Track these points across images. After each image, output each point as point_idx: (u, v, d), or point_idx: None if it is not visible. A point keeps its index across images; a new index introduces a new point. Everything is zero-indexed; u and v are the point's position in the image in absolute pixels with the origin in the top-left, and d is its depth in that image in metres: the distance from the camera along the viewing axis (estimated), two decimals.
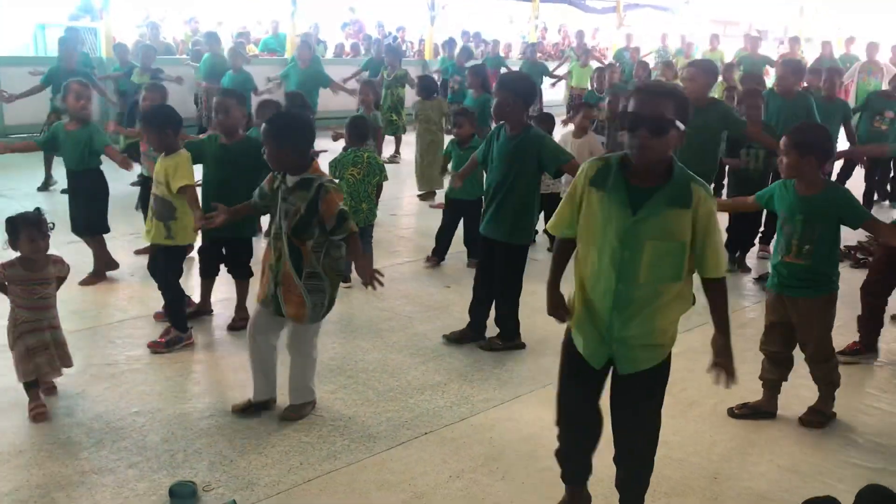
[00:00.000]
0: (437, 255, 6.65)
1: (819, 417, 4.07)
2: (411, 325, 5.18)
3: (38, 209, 3.82)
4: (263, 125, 3.75)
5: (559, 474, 3.20)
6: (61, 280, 3.98)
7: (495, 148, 4.74)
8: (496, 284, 4.90)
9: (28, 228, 3.74)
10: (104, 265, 5.90)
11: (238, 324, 5.08)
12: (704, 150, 5.79)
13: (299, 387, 3.96)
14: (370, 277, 3.71)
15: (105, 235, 5.87)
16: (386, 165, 6.33)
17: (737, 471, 3.59)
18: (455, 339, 4.95)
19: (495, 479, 3.44)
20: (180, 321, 4.77)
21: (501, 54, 16.40)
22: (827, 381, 4.07)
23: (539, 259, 6.46)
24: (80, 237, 5.82)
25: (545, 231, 7.26)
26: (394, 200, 8.63)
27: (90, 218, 5.75)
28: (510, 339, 4.90)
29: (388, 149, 11.33)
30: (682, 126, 2.63)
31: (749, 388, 4.43)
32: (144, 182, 6.15)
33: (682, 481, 3.43)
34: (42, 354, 3.80)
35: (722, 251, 2.80)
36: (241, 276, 5.18)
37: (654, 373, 2.86)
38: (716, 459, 3.66)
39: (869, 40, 13.72)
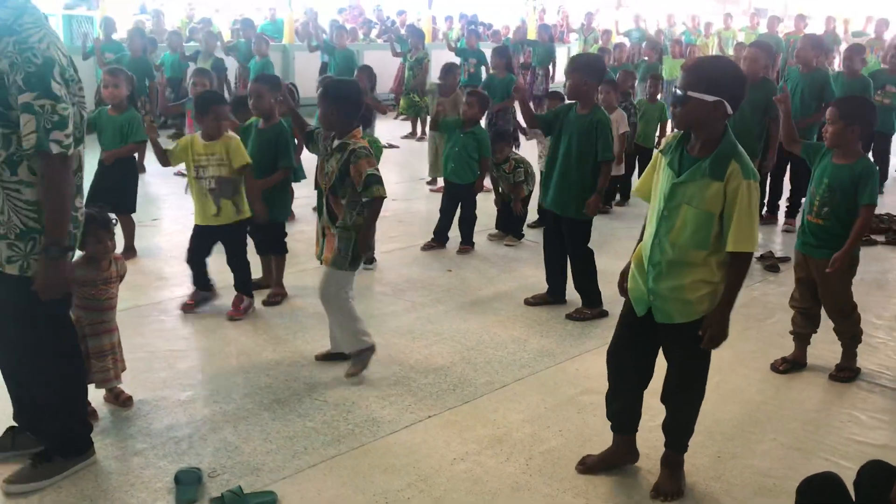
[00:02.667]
0: (438, 238, 6.65)
1: (846, 373, 4.32)
2: (413, 310, 5.19)
3: (101, 206, 3.74)
4: (319, 89, 4.21)
5: (606, 422, 3.43)
6: (121, 278, 3.82)
7: (565, 124, 5.00)
8: (570, 259, 5.22)
9: (96, 228, 3.53)
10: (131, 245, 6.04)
11: (273, 299, 5.23)
12: (747, 126, 5.95)
13: (344, 339, 4.21)
14: (364, 248, 4.11)
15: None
16: (395, 149, 6.39)
17: (740, 449, 3.60)
18: (535, 303, 5.31)
19: (500, 461, 3.45)
20: (249, 287, 5.09)
21: (509, 37, 16.45)
22: (850, 335, 4.32)
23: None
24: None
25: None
26: (398, 185, 8.62)
27: (120, 197, 5.81)
28: (594, 306, 5.12)
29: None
30: (707, 97, 2.84)
31: (753, 366, 4.45)
32: None
33: (685, 460, 3.43)
34: (104, 359, 3.66)
35: (746, 228, 2.88)
36: (278, 251, 5.34)
37: (691, 328, 3.04)
38: (719, 438, 3.67)
39: (880, 17, 13.67)
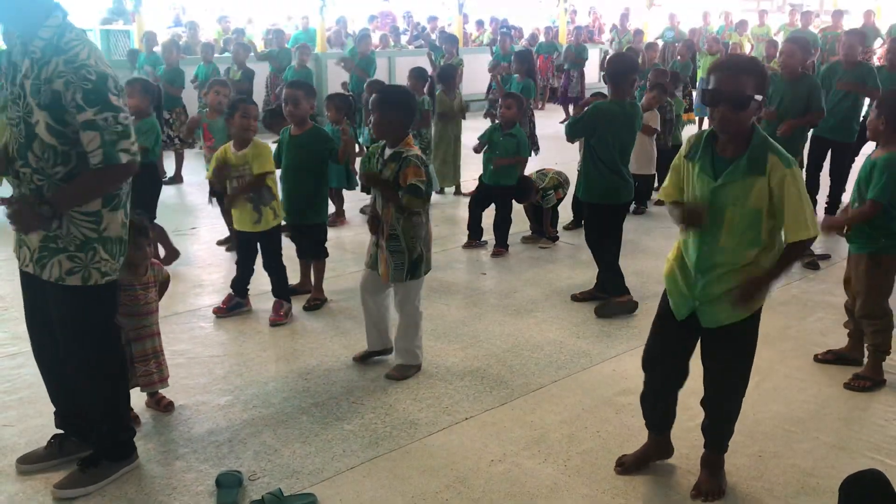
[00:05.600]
0: (474, 234, 6.67)
1: (862, 382, 4.14)
2: (449, 313, 5.20)
3: (140, 212, 3.77)
4: (374, 95, 4.15)
5: (643, 422, 3.41)
6: (164, 285, 3.89)
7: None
8: (589, 246, 5.32)
9: (134, 234, 3.46)
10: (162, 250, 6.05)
11: (313, 303, 5.28)
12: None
13: (403, 348, 4.27)
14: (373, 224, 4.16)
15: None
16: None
17: (781, 449, 3.55)
18: (582, 298, 5.40)
19: (537, 462, 3.44)
20: (287, 292, 5.17)
21: (543, 39, 16.47)
22: (874, 343, 4.14)
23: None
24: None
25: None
26: None
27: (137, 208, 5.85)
28: (621, 293, 5.14)
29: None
30: (759, 98, 2.79)
31: (793, 365, 4.39)
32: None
33: (725, 460, 3.39)
34: (147, 363, 3.73)
35: (803, 216, 2.83)
36: (318, 255, 5.38)
37: (737, 329, 3.01)
38: (760, 438, 3.63)
39: None
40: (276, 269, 5.11)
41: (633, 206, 7.37)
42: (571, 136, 5.26)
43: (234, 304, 5.13)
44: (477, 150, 6.69)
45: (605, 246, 5.19)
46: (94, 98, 2.80)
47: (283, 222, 5.18)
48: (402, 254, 4.08)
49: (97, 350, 3.15)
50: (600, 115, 5.02)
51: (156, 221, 5.95)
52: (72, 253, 2.97)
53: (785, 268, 2.95)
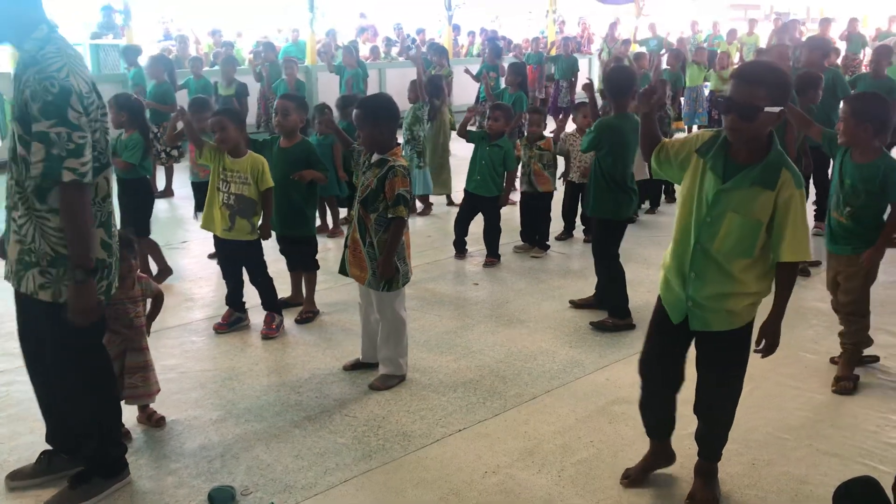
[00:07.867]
0: (458, 248, 6.66)
1: (847, 383, 4.17)
2: (441, 324, 5.19)
3: (126, 227, 3.73)
4: (355, 111, 4.20)
5: (637, 431, 3.44)
6: (157, 300, 3.86)
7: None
8: (595, 262, 5.26)
9: (119, 247, 3.44)
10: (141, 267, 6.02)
11: (305, 316, 5.26)
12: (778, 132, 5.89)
13: (386, 356, 4.28)
14: (383, 272, 4.09)
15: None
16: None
17: (775, 456, 3.55)
18: (579, 305, 5.43)
19: (531, 473, 3.43)
20: (277, 304, 5.14)
21: (530, 51, 16.50)
22: (854, 341, 4.22)
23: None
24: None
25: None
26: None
27: (130, 222, 5.81)
28: (620, 317, 5.09)
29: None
30: (775, 109, 2.75)
31: (786, 372, 4.40)
32: (199, 187, 6.41)
33: (719, 468, 3.39)
34: (132, 376, 3.70)
35: (801, 239, 2.84)
36: (309, 267, 5.37)
37: (728, 337, 3.03)
38: (753, 446, 3.63)
39: None
40: (261, 284, 5.08)
41: None
42: (585, 149, 5.31)
43: (235, 320, 5.10)
44: (460, 133, 6.63)
45: (614, 263, 5.15)
46: (52, 111, 2.76)
47: (267, 237, 5.13)
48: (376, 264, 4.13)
49: (83, 366, 3.13)
50: (607, 130, 4.98)
51: (150, 237, 5.97)
52: (43, 268, 2.95)
53: (787, 297, 2.96)
